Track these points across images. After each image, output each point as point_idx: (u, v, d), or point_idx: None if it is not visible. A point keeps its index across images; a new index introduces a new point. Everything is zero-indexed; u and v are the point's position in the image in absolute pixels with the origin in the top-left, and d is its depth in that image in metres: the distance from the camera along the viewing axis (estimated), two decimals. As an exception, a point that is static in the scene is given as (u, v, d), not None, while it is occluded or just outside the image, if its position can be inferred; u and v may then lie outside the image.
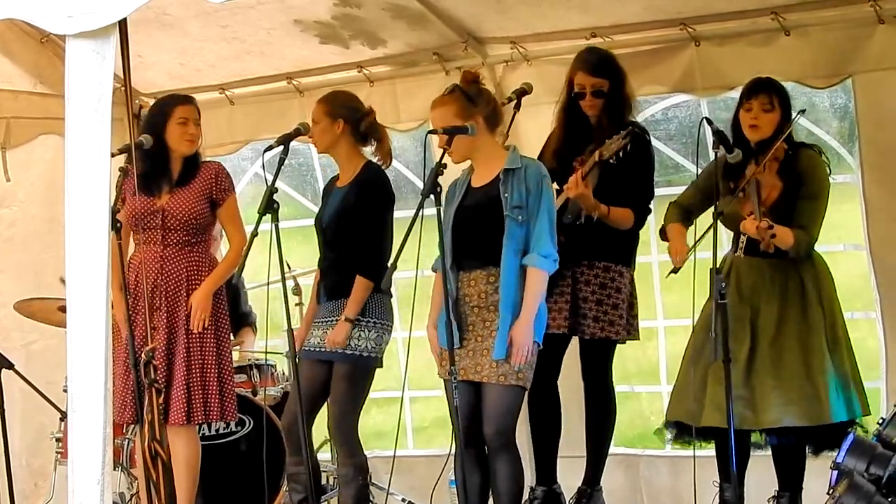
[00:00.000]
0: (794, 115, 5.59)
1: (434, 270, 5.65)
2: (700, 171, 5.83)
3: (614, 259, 6.00)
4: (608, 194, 5.87)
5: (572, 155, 5.95)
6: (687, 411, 5.63)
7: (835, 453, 5.27)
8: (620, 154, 5.76)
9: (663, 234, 5.95)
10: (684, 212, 5.87)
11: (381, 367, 5.99)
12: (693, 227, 5.81)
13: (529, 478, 6.20)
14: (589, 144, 5.90)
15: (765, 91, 5.59)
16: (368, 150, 6.09)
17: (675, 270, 5.73)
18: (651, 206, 6.10)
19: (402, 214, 5.92)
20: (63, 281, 6.57)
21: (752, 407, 5.45)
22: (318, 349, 5.92)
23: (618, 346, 6.13)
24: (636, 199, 5.98)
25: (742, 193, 5.50)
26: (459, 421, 5.19)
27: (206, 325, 5.94)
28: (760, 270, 5.64)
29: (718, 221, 5.29)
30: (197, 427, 6.09)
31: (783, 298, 5.59)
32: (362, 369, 5.92)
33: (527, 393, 5.51)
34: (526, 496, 6.09)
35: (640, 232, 6.16)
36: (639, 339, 6.16)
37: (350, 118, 5.98)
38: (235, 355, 6.86)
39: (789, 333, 5.56)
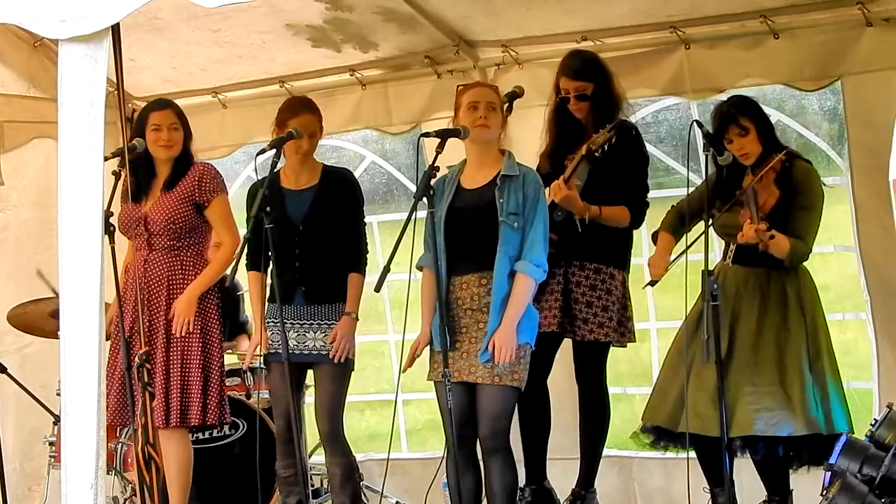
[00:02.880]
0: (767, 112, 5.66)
1: (419, 268, 5.66)
2: (691, 173, 5.84)
3: (606, 261, 5.99)
4: (601, 192, 5.88)
5: (565, 156, 5.97)
6: (667, 415, 5.63)
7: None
8: (606, 147, 5.76)
9: (655, 239, 5.96)
10: (680, 219, 5.85)
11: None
12: (684, 237, 5.81)
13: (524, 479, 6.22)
14: (580, 143, 5.92)
15: (730, 121, 5.57)
16: None
17: (651, 283, 5.76)
18: (648, 200, 6.09)
19: (394, 217, 5.95)
20: (40, 274, 6.62)
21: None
22: (297, 351, 5.91)
23: (611, 348, 6.12)
24: (630, 196, 5.97)
25: (740, 205, 5.50)
26: (452, 423, 5.21)
27: (191, 329, 5.95)
28: (745, 278, 5.64)
29: (712, 230, 5.31)
30: (189, 430, 6.09)
31: (764, 306, 5.59)
32: (349, 370, 5.98)
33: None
34: (518, 496, 6.11)
35: (633, 233, 6.16)
36: (634, 341, 6.14)
37: None
38: (231, 358, 6.87)
39: (768, 341, 5.55)
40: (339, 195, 5.98)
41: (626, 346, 6.12)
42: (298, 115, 5.94)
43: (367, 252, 6.04)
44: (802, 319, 5.58)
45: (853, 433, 5.51)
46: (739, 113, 5.58)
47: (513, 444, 5.58)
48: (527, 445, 6.15)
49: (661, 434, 5.72)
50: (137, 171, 5.97)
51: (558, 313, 5.93)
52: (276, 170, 5.69)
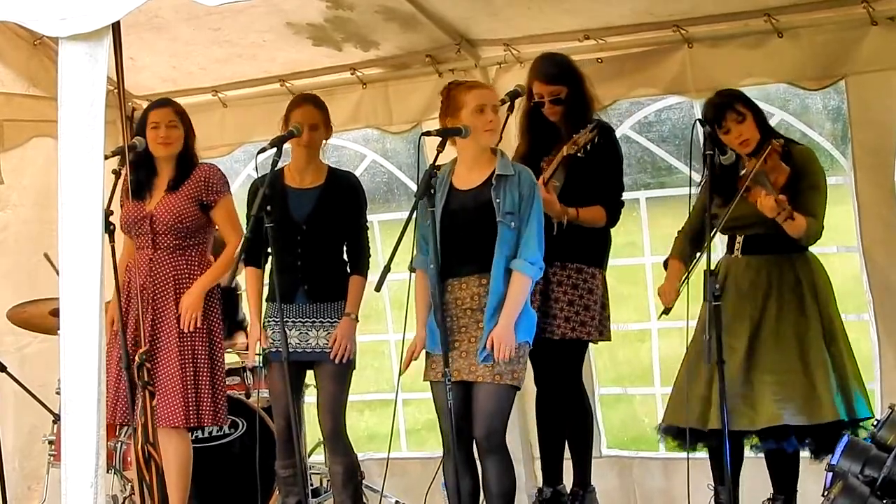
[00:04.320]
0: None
1: (411, 270, 5.63)
2: (693, 173, 5.83)
3: (586, 261, 5.99)
4: (577, 193, 5.87)
5: (540, 158, 5.95)
6: (697, 416, 5.54)
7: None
8: (588, 147, 5.76)
9: (665, 266, 5.91)
10: (688, 242, 5.82)
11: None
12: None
13: (524, 480, 6.21)
14: (555, 146, 5.90)
15: (727, 108, 5.56)
16: None
17: (665, 311, 5.71)
18: (623, 199, 6.07)
19: (394, 216, 5.93)
20: (47, 257, 6.60)
21: (752, 405, 5.42)
22: (299, 349, 5.90)
23: (610, 348, 6.12)
24: (606, 196, 5.97)
25: (748, 190, 5.47)
26: (452, 423, 5.19)
27: (198, 326, 5.96)
28: (757, 268, 5.62)
29: (714, 227, 5.29)
30: (189, 430, 6.08)
31: (780, 294, 5.58)
32: (350, 370, 5.98)
33: (535, 395, 5.48)
34: (535, 497, 6.12)
35: (632, 233, 6.16)
36: (610, 339, 6.15)
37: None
38: (232, 357, 6.85)
39: (787, 328, 5.54)
40: (344, 197, 5.97)
41: (597, 343, 6.15)
42: (300, 106, 5.98)
43: (370, 255, 6.06)
44: (816, 305, 5.58)
45: (872, 416, 5.51)
46: (734, 100, 5.59)
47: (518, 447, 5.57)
48: (543, 448, 6.18)
49: (687, 435, 5.67)
50: (139, 170, 5.99)
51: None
52: (277, 168, 5.68)
